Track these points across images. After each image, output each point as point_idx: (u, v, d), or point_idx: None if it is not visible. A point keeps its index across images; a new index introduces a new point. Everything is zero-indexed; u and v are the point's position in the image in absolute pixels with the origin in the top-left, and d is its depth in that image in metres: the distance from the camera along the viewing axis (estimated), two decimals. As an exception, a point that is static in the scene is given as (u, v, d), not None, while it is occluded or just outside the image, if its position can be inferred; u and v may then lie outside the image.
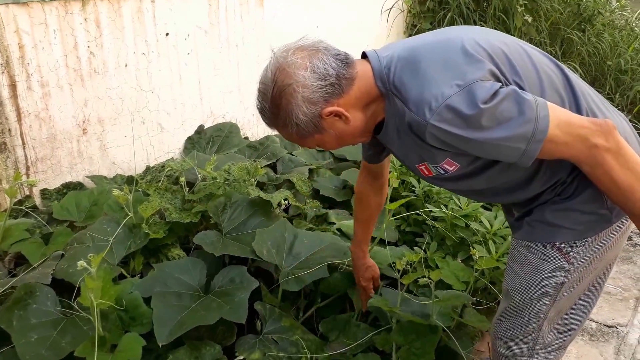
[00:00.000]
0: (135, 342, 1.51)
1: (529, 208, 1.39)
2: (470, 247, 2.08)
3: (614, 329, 2.28)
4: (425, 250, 2.27)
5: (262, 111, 1.25)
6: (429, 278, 1.71)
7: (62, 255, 1.85)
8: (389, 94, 1.21)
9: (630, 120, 1.42)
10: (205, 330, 1.72)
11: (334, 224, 2.32)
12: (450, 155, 1.23)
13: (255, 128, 3.10)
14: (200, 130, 2.72)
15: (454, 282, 2.05)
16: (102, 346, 1.48)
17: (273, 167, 2.81)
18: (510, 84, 1.17)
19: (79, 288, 1.61)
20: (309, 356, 1.66)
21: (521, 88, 1.17)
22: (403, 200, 1.96)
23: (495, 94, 1.10)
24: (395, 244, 2.35)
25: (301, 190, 2.43)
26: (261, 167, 2.64)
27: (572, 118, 1.16)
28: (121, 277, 1.83)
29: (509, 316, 1.47)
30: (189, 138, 2.68)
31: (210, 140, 2.70)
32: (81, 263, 1.50)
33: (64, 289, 1.75)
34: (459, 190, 1.50)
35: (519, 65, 1.20)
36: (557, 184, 1.31)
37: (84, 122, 2.21)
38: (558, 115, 1.13)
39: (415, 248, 2.28)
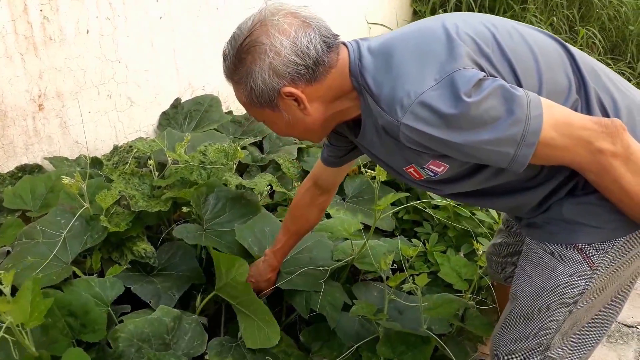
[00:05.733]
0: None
1: (545, 207, 1.18)
2: (474, 241, 1.85)
3: (635, 329, 2.06)
4: (424, 242, 2.04)
5: (225, 57, 1.12)
6: (415, 283, 1.48)
7: (9, 252, 1.63)
8: (362, 90, 1.08)
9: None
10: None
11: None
12: (433, 156, 1.07)
13: (241, 101, 2.82)
14: (176, 104, 2.44)
15: (455, 280, 1.84)
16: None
17: (259, 145, 2.55)
18: (498, 71, 1.02)
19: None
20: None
21: (513, 71, 1.04)
22: (394, 197, 1.71)
23: (478, 85, 0.96)
24: (392, 234, 2.12)
25: (288, 172, 2.18)
26: (245, 147, 2.39)
27: (573, 118, 1.01)
28: (76, 276, 1.61)
29: (514, 326, 1.25)
30: (164, 113, 2.41)
31: (187, 115, 2.43)
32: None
33: (9, 292, 1.54)
34: (459, 196, 1.27)
35: (509, 47, 1.05)
36: (574, 174, 1.10)
37: (39, 96, 1.95)
38: (554, 115, 0.99)
39: (413, 240, 2.04)
